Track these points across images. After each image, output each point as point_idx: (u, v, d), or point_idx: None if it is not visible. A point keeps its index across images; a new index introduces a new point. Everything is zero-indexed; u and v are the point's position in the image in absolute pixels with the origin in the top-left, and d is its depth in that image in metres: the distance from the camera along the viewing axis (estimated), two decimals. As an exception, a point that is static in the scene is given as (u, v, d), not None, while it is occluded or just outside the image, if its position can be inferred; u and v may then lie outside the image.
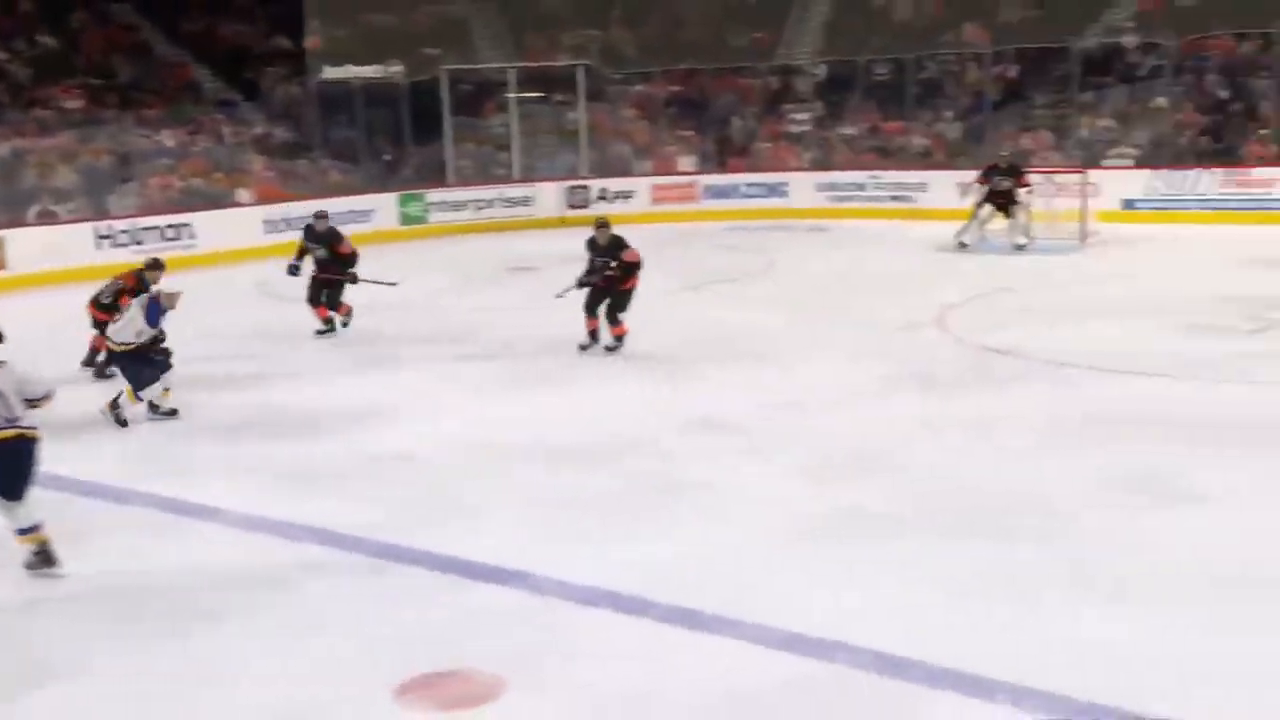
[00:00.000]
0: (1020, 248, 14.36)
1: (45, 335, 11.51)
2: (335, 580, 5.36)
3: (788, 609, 4.80)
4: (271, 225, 17.24)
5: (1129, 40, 19.20)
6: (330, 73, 20.25)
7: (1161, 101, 17.83)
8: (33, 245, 14.84)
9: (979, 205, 14.76)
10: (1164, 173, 16.23)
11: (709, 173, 20.65)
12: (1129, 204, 16.34)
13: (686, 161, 21.09)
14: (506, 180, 20.52)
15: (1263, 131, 16.61)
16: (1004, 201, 14.65)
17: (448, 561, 5.45)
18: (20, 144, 16.50)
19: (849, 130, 20.55)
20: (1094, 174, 15.35)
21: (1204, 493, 5.93)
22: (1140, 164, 17.13)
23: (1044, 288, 11.99)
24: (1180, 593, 4.85)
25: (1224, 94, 17.52)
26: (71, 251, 14.91)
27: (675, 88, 22.07)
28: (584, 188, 20.38)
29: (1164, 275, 12.29)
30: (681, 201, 20.15)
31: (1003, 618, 4.68)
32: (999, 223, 14.71)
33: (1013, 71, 19.75)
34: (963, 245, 14.67)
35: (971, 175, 16.53)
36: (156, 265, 8.98)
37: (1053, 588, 4.94)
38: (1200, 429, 6.90)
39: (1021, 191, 14.67)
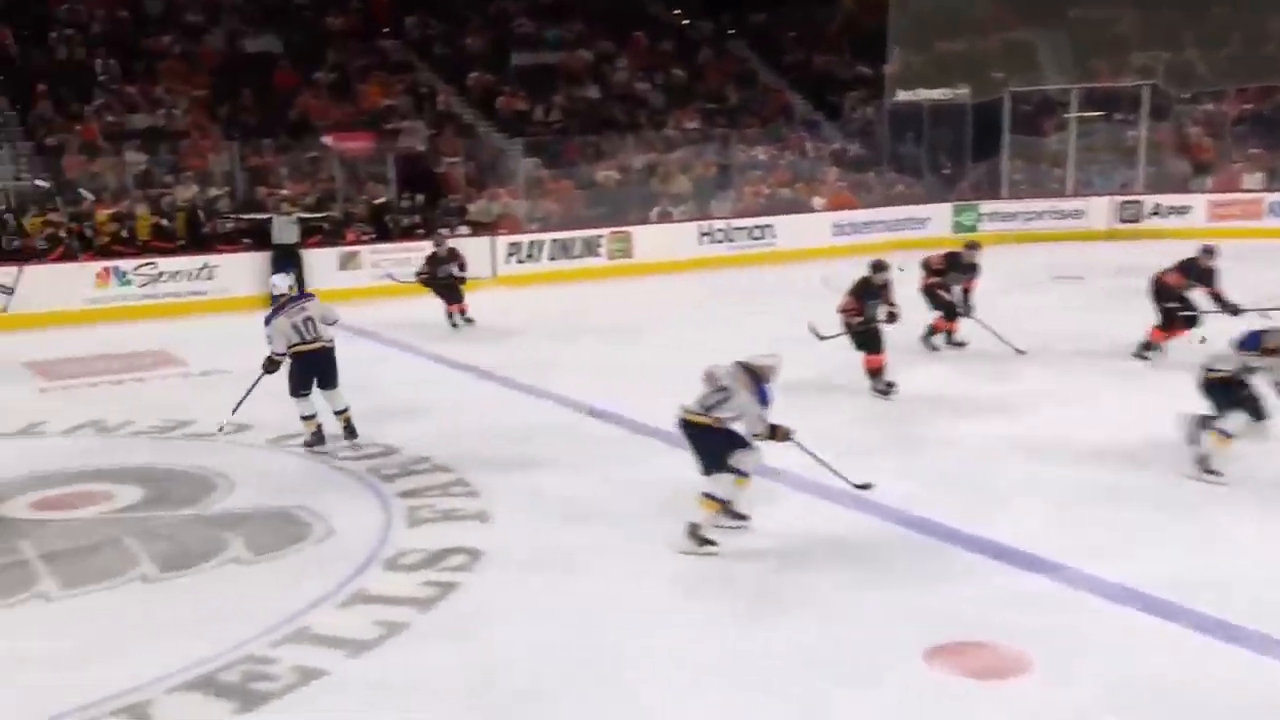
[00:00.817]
0: None
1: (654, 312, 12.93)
2: (880, 545, 5.51)
3: None
4: (839, 229, 17.91)
5: None
6: (903, 95, 20.45)
7: None
8: (653, 240, 16.75)
9: None
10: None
11: (1277, 190, 17.96)
12: None
13: (1252, 179, 18.52)
14: (1059, 194, 19.42)
15: None
16: None
17: (981, 543, 5.43)
18: (651, 157, 18.63)
19: None
20: None
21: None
22: None
23: None
24: None
25: None
26: (680, 246, 16.64)
27: (1248, 105, 19.40)
28: (1136, 202, 18.72)
29: None
30: (1243, 219, 17.74)
31: None
32: None
33: None
34: None
35: None
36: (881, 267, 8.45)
37: None
38: None
39: None
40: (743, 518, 5.63)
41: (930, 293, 9.79)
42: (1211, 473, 5.99)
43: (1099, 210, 18.69)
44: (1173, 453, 6.56)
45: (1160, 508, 5.82)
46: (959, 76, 20.52)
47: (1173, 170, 19.50)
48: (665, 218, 17.57)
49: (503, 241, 15.80)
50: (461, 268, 12.26)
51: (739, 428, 5.39)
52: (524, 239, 15.99)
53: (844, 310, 8.02)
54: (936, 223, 18.50)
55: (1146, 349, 9.20)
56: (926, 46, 21.96)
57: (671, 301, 13.79)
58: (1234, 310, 8.85)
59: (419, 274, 12.34)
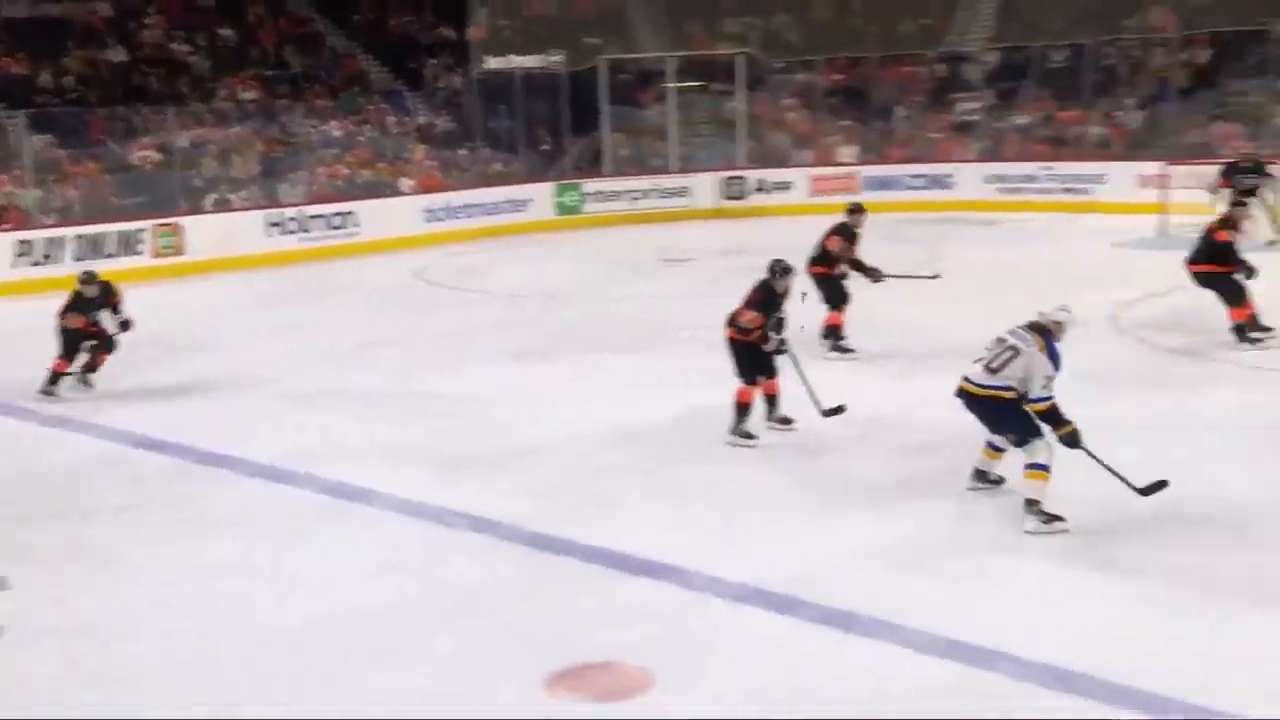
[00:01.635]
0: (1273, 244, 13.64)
1: (210, 318, 12.17)
2: (488, 568, 5.48)
3: (957, 617, 4.70)
4: (431, 214, 17.77)
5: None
6: (492, 63, 20.72)
7: None
8: (209, 232, 15.68)
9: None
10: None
11: (870, 164, 20.33)
12: None
13: (847, 152, 20.81)
14: (663, 171, 20.63)
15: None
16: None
17: (598, 553, 5.52)
18: (199, 134, 17.43)
19: (1021, 119, 19.91)
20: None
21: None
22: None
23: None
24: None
25: None
26: (243, 239, 15.72)
27: (838, 77, 21.78)
28: (740, 179, 20.32)
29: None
30: (842, 193, 19.86)
31: (1182, 632, 4.47)
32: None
33: (1202, 57, 18.79)
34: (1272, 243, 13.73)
35: (1153, 167, 15.82)
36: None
37: (1239, 600, 4.69)
38: None
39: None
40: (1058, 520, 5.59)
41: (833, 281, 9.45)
42: (1034, 514, 5.64)
43: (704, 188, 20.09)
44: (783, 447, 7.08)
45: (776, 505, 6.22)
46: (551, 43, 21.16)
47: (774, 144, 21.43)
48: (223, 206, 16.58)
49: (8, 239, 14.17)
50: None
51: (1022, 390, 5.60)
52: (37, 235, 14.49)
53: (751, 324, 7.14)
54: (538, 204, 18.95)
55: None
56: (515, 9, 22.43)
57: (235, 304, 13.05)
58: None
59: None
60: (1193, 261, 9.24)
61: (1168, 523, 5.62)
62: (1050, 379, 5.65)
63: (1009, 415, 5.75)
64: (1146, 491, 5.71)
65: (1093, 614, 4.75)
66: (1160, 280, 11.04)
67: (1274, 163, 14.26)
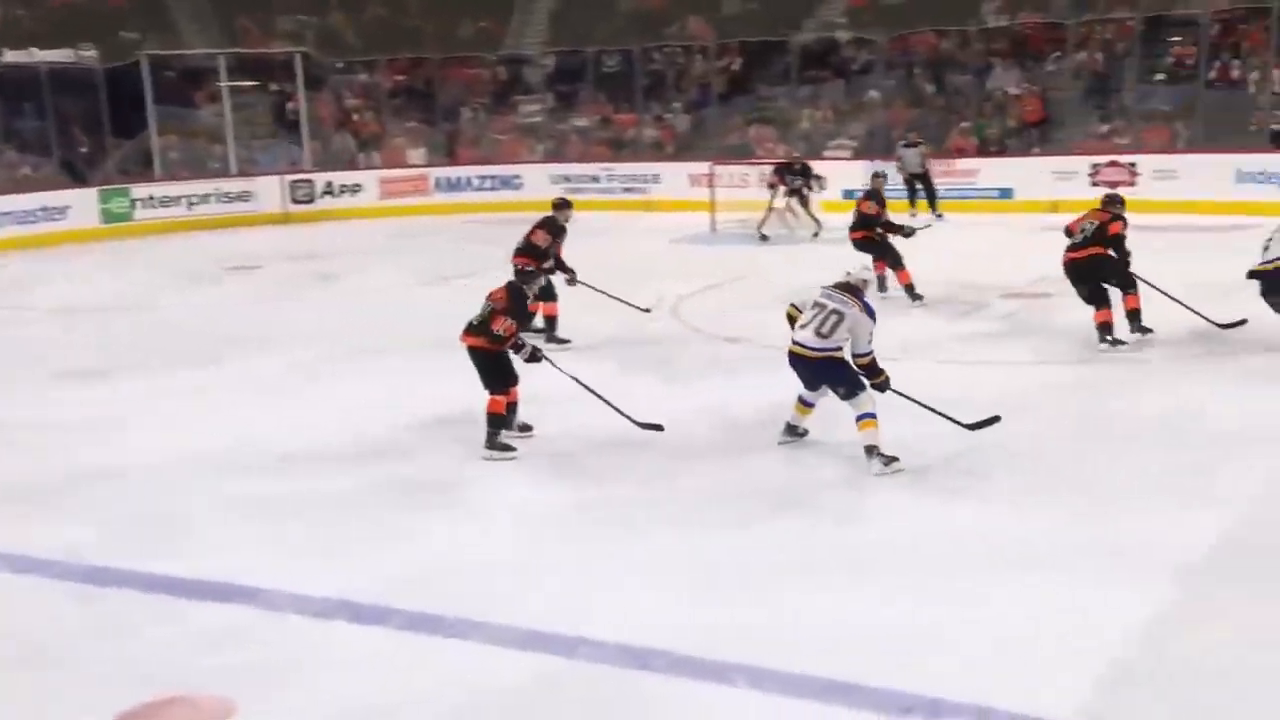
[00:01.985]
0: (815, 236, 15.15)
1: None
2: (46, 608, 4.99)
3: (533, 608, 4.85)
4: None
5: (842, 35, 20.44)
6: (11, 56, 18.66)
7: (874, 95, 19.06)
8: None
9: (780, 202, 15.33)
10: (878, 164, 17.36)
11: (440, 165, 20.47)
12: (849, 194, 17.36)
13: (416, 154, 20.82)
14: (223, 174, 19.60)
15: (964, 125, 18.04)
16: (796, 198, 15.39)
17: (169, 582, 5.18)
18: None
19: (581, 122, 20.87)
20: (815, 165, 16.17)
21: (930, 468, 6.35)
22: (857, 155, 18.24)
23: (777, 275, 12.58)
24: (941, 570, 5.22)
25: (929, 88, 18.94)
26: None
27: (400, 77, 21.72)
28: (308, 182, 19.75)
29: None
30: (412, 195, 19.89)
31: (749, 602, 4.88)
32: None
33: (736, 65, 20.61)
34: (764, 238, 15.14)
35: (702, 167, 17.18)
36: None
37: (797, 571, 5.19)
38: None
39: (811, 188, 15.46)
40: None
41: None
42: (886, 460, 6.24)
43: (269, 191, 19.30)
44: (367, 456, 7.00)
45: (365, 515, 6.14)
46: (81, 35, 19.43)
47: (340, 146, 20.98)
48: None
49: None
50: None
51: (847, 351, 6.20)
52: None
53: (506, 331, 6.84)
54: (80, 212, 17.36)
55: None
56: (35, -3, 20.42)
57: None
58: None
59: None
60: (851, 229, 10.87)
61: (721, 502, 6.15)
62: (872, 333, 6.39)
63: (840, 372, 6.42)
64: (975, 426, 6.46)
65: (666, 596, 5.07)
66: (714, 273, 12.02)
67: (810, 163, 15.95)
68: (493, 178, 20.08)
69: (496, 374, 6.85)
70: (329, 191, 19.64)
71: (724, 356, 9.10)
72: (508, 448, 6.81)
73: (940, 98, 18.82)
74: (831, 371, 6.44)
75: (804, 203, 15.49)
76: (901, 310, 10.26)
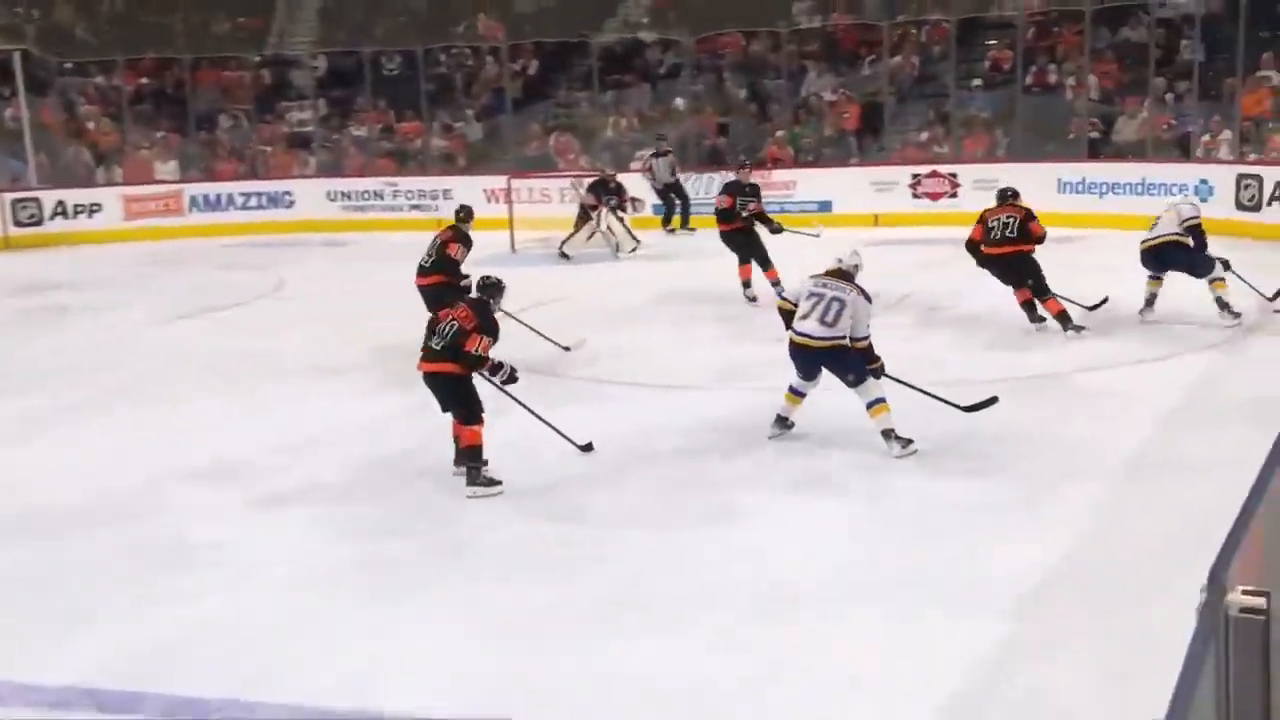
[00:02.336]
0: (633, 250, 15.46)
1: None
2: None
3: (320, 684, 4.68)
4: None
5: (646, 36, 20.84)
6: None
7: (680, 102, 19.46)
8: None
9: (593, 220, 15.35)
10: (691, 176, 17.73)
11: (195, 181, 19.78)
12: (659, 209, 17.64)
13: (166, 169, 20.05)
14: (-73, 193, 18.42)
15: (779, 133, 18.61)
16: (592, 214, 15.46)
17: None
18: None
19: (359, 131, 20.53)
20: (622, 178, 16.36)
21: (748, 509, 6.47)
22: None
23: (585, 298, 12.65)
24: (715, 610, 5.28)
25: (740, 94, 19.47)
26: None
27: (144, 80, 20.89)
28: (34, 201, 18.75)
29: (700, 279, 13.39)
30: (163, 215, 19.13)
31: (556, 651, 4.84)
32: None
33: (532, 68, 20.72)
34: (565, 257, 15.23)
35: (498, 181, 17.15)
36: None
37: (609, 620, 5.19)
38: (739, 438, 7.57)
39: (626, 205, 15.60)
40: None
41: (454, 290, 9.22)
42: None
43: (-14, 212, 18.25)
44: (127, 516, 6.65)
45: (111, 582, 5.81)
46: None
47: (73, 159, 19.98)
48: None
49: None
50: None
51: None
52: None
53: (484, 351, 6.84)
54: None
55: None
56: None
57: None
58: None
59: None
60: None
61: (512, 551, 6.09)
62: (870, 317, 7.06)
63: (849, 359, 7.03)
64: (972, 409, 7.25)
65: (462, 657, 4.97)
66: (516, 298, 11.94)
67: (621, 179, 16.09)
68: (259, 195, 19.52)
69: (468, 400, 6.79)
70: (61, 212, 18.69)
71: (533, 391, 9.06)
72: (494, 481, 6.74)
73: (752, 104, 19.37)
74: (839, 359, 7.07)
75: (621, 219, 15.70)
76: (735, 335, 10.47)
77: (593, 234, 15.44)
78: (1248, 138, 15.36)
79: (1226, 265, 10.03)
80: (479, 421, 6.77)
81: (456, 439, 6.86)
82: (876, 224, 16.80)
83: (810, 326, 7.05)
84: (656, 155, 17.04)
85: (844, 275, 7.19)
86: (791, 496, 6.58)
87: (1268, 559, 2.15)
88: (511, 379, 6.93)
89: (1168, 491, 6.34)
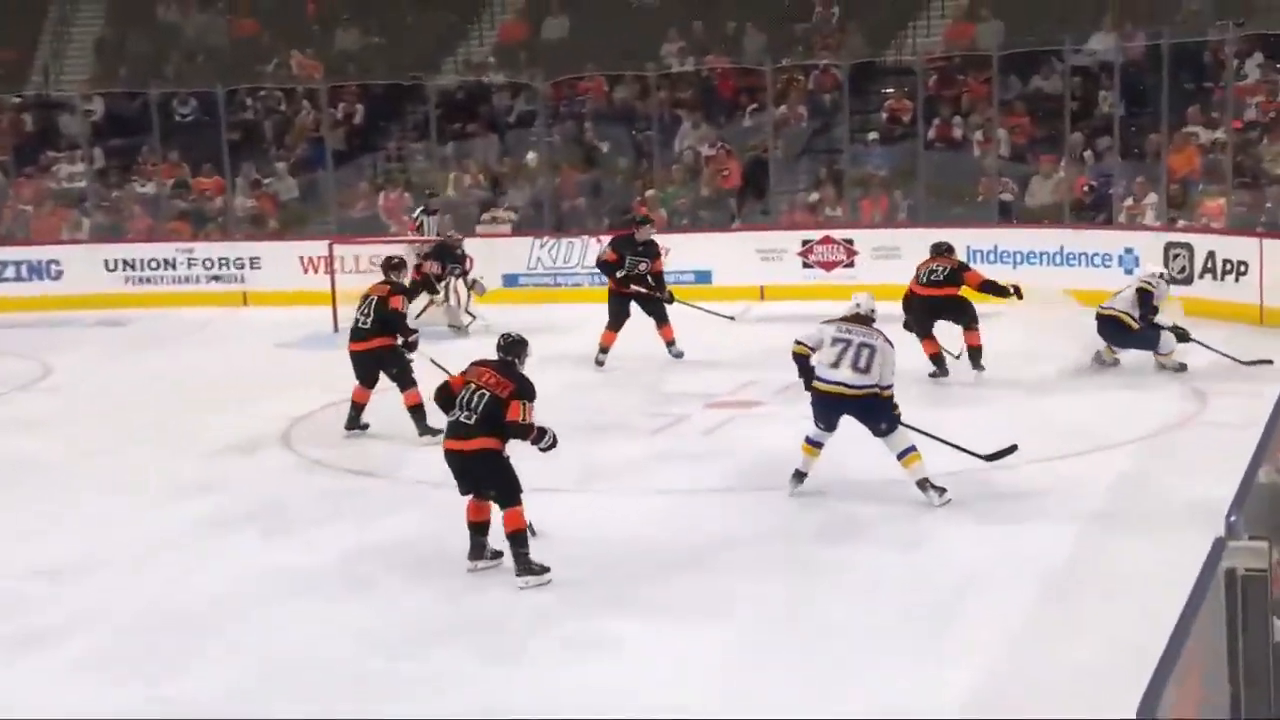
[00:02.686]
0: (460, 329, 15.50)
1: None
2: None
3: None
4: None
5: (492, 79, 21.07)
6: None
7: (532, 156, 19.62)
8: None
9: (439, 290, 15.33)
10: (548, 241, 17.85)
11: None
12: (511, 280, 17.68)
13: (-101, 233, 19.49)
14: None
15: (650, 192, 18.87)
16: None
17: None
18: None
19: (145, 188, 20.22)
20: (469, 244, 16.36)
21: (618, 636, 6.55)
22: (520, 230, 18.67)
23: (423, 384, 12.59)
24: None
25: (604, 147, 19.76)
26: None
27: None
28: None
29: (558, 368, 13.44)
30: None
31: None
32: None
33: (357, 114, 20.78)
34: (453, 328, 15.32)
35: (319, 247, 17.05)
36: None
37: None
38: (607, 552, 7.64)
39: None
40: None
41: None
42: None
43: None
44: None
45: None
46: None
47: None
48: None
49: None
50: None
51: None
52: None
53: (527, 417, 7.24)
54: None
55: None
56: None
57: None
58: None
59: None
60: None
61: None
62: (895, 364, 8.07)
63: (881, 407, 7.93)
64: (992, 457, 8.33)
65: None
66: (338, 385, 11.90)
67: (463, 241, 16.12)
68: (18, 264, 19.04)
69: (508, 478, 7.09)
70: None
71: (353, 495, 9.00)
72: (544, 569, 7.07)
73: (618, 158, 19.68)
74: (870, 409, 7.96)
75: (470, 287, 15.71)
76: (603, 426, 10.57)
77: (426, 307, 15.36)
78: (1175, 201, 16.13)
79: (1183, 336, 11.60)
80: (519, 501, 7.03)
81: (477, 525, 7.21)
82: (763, 298, 17.13)
83: (845, 375, 7.99)
84: (427, 212, 17.10)
85: (864, 320, 8.22)
86: (672, 621, 6.62)
87: (1205, 689, 2.27)
88: (554, 445, 7.25)
89: (1093, 611, 6.56)
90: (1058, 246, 16.13)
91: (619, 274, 12.78)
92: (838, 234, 17.48)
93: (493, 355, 7.37)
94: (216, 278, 18.78)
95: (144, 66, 21.53)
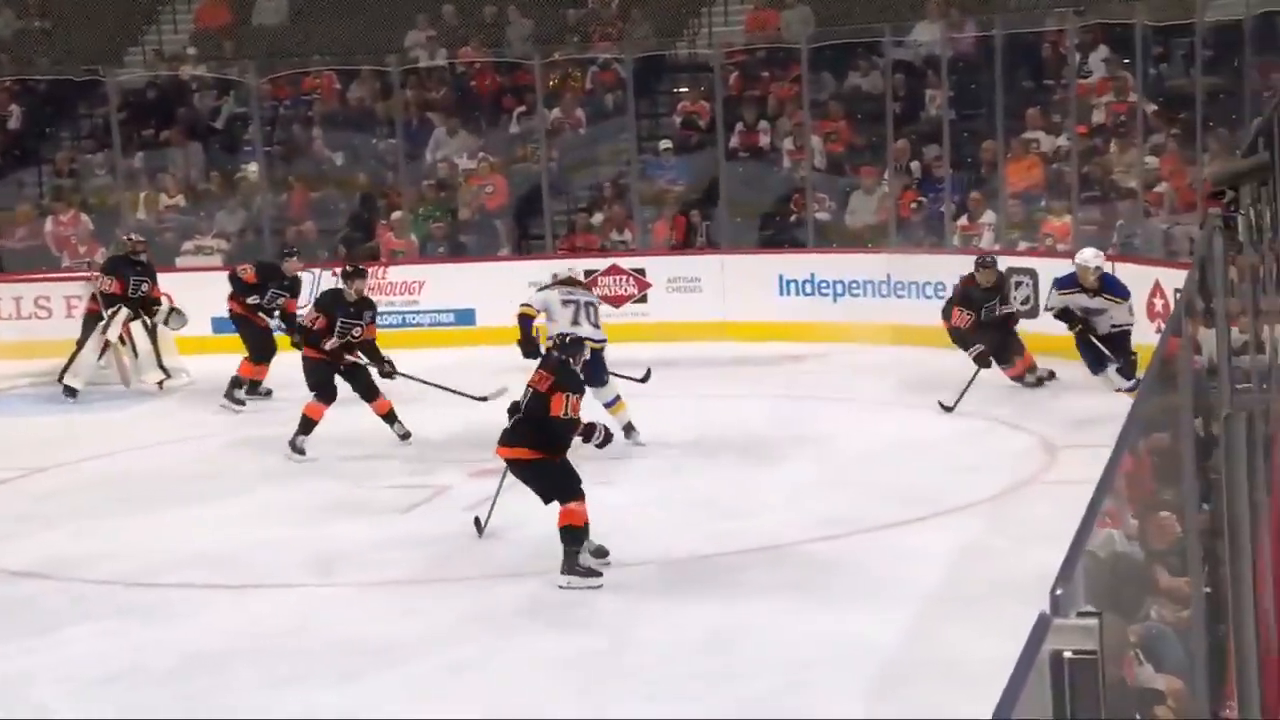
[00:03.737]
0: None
1: None
2: None
3: None
4: None
5: (188, 73, 20.69)
6: None
7: (252, 170, 19.24)
8: None
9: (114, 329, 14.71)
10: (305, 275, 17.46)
11: None
12: (222, 325, 17.17)
13: None
14: None
15: (396, 215, 18.66)
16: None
17: None
18: None
19: None
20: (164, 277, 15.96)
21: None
22: (231, 261, 18.31)
23: (92, 464, 12.39)
24: None
25: (336, 158, 19.55)
26: None
27: None
28: None
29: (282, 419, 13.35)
30: None
31: None
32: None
33: (13, 117, 20.28)
34: (70, 391, 14.71)
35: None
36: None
37: None
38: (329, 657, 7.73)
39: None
40: None
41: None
42: None
43: None
44: None
45: None
46: None
47: None
48: None
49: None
50: None
51: None
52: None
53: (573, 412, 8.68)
54: None
55: None
56: None
57: None
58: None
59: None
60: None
61: None
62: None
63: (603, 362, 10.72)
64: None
65: None
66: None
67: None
68: None
69: (554, 480, 8.35)
70: None
71: (22, 601, 8.82)
72: (592, 572, 8.23)
73: (355, 172, 19.47)
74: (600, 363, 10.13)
75: (152, 332, 15.09)
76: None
77: (104, 350, 14.83)
78: (1015, 219, 16.72)
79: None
80: (573, 498, 8.25)
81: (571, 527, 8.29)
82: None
83: (588, 330, 10.20)
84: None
85: (576, 282, 11.09)
86: None
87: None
88: (608, 441, 8.80)
89: (925, 704, 6.89)
90: (884, 274, 16.50)
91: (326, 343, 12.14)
92: (626, 262, 17.60)
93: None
94: None
95: None
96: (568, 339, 9.04)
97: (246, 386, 14.11)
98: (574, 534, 8.24)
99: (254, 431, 13.02)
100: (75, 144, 20.38)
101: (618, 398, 11.46)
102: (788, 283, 16.94)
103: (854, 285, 16.75)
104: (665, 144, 18.96)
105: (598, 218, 18.66)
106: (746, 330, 16.76)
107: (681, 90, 19.58)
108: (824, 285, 16.88)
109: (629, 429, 11.41)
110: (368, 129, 19.79)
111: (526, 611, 8.28)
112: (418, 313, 17.53)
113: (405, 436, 12.23)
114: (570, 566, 8.22)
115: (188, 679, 7.44)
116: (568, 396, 8.25)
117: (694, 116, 19.03)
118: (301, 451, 11.81)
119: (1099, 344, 12.33)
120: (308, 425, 11.87)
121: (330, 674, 7.45)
